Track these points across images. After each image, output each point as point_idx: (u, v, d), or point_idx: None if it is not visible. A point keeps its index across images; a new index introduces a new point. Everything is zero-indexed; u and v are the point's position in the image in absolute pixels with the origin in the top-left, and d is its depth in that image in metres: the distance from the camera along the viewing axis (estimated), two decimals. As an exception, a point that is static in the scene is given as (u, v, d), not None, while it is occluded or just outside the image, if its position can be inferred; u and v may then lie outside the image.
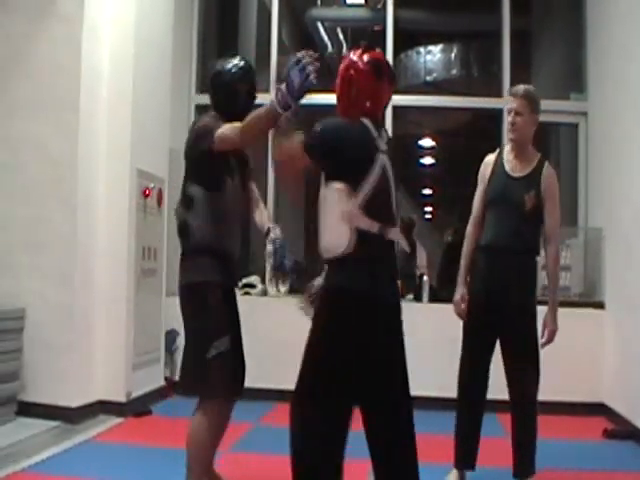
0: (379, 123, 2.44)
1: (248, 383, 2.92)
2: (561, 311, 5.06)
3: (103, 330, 4.46)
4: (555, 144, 6.71)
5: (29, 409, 4.16)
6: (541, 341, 3.32)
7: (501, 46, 5.85)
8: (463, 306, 3.37)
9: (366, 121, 2.37)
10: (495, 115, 5.84)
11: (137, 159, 4.60)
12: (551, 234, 3.25)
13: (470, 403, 3.38)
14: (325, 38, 9.42)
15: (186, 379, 2.77)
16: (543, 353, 4.95)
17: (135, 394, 4.56)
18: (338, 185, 2.28)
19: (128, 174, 4.54)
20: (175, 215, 2.85)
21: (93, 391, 4.39)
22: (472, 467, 3.36)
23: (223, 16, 6.87)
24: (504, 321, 3.28)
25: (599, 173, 5.28)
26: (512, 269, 3.24)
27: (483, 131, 7.04)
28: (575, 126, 5.74)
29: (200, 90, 6.10)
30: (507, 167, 3.30)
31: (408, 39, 8.49)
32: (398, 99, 5.98)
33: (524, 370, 3.30)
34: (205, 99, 6.21)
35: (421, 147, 13.13)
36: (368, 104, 2.36)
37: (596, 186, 5.35)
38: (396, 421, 2.33)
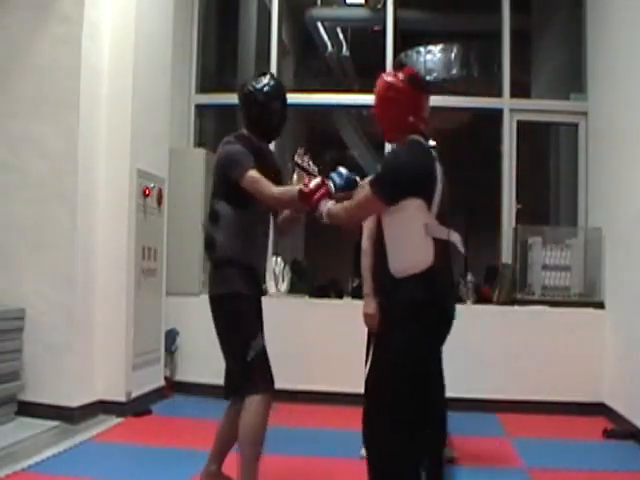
0: None
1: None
2: (561, 311, 5.13)
3: (103, 330, 4.45)
4: (555, 144, 6.70)
5: (29, 409, 4.15)
6: None
7: (501, 46, 5.85)
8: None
9: None
10: (495, 115, 5.84)
11: (137, 159, 4.60)
12: None
13: None
14: (325, 38, 9.43)
15: (233, 384, 2.84)
16: (544, 353, 5.00)
17: (135, 394, 4.56)
18: None
19: (128, 174, 4.53)
20: (202, 229, 2.90)
21: (93, 391, 4.39)
22: None
23: (223, 16, 6.86)
24: None
25: (599, 173, 5.27)
26: None
27: (483, 131, 7.04)
28: (575, 126, 5.73)
29: (200, 90, 6.09)
30: None
31: (408, 39, 8.47)
32: (398, 99, 5.98)
33: None
34: (205, 99, 6.24)
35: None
36: None
37: (596, 186, 5.35)
38: None
